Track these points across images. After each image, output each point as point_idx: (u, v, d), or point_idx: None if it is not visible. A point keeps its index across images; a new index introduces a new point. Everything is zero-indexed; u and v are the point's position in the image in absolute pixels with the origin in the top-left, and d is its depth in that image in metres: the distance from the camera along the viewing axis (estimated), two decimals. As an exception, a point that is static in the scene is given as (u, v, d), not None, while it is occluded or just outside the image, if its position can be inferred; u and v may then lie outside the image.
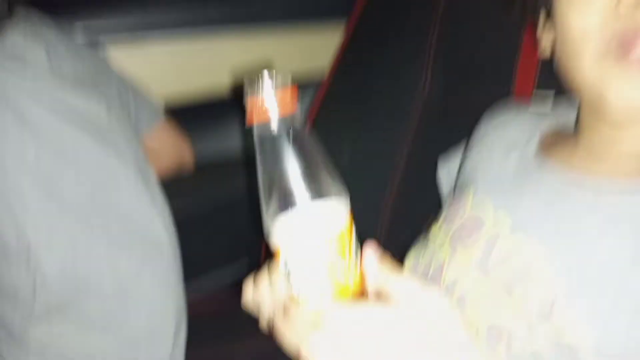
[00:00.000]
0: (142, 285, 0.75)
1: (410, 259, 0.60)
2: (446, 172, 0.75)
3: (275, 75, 0.38)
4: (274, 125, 0.38)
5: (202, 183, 1.09)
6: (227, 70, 1.12)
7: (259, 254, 1.13)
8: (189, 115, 1.03)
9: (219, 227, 1.08)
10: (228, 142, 1.18)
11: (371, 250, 0.40)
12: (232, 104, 1.09)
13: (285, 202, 0.38)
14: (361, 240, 0.41)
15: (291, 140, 0.38)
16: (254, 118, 0.38)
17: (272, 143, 0.38)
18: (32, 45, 0.72)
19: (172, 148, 0.95)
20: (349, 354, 0.35)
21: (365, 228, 0.43)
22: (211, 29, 1.10)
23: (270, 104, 0.38)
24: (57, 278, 0.68)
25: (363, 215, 0.44)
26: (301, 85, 1.25)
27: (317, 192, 0.38)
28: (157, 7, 1.06)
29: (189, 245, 0.85)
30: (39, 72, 0.71)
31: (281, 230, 0.39)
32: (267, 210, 0.39)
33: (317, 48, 1.20)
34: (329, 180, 0.40)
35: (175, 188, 0.89)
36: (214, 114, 1.16)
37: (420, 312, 0.37)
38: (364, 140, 1.01)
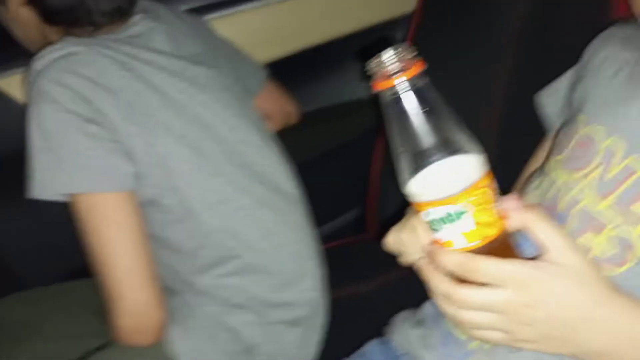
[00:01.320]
0: (284, 233, 0.84)
1: (527, 193, 0.60)
2: (552, 103, 0.72)
3: (393, 40, 0.37)
4: (402, 87, 0.39)
5: (309, 134, 1.14)
6: (317, 24, 1.16)
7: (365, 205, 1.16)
8: (287, 71, 1.05)
9: (328, 177, 1.12)
10: (325, 90, 1.25)
11: (513, 197, 0.42)
12: (323, 52, 1.18)
13: (423, 158, 0.40)
14: None
15: (420, 99, 0.40)
16: (380, 84, 0.40)
17: (401, 104, 0.40)
18: (156, 32, 0.79)
19: (279, 107, 1.02)
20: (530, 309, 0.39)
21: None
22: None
23: (394, 68, 0.39)
24: (215, 233, 0.77)
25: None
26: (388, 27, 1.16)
27: (453, 146, 0.40)
28: None
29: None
30: (166, 56, 0.77)
31: (422, 184, 0.41)
32: (404, 167, 0.42)
33: None
34: (462, 135, 0.41)
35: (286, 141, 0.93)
36: (308, 64, 1.21)
37: (572, 267, 0.40)
38: (457, 79, 0.96)
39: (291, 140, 0.98)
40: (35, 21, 0.74)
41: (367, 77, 0.42)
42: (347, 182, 1.23)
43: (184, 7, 1.02)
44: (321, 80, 1.28)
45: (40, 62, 0.70)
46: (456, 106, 0.42)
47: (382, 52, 0.40)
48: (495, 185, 0.42)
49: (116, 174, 0.70)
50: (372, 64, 0.41)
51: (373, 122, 1.19)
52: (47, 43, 0.77)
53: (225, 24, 1.03)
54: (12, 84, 0.96)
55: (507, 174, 0.66)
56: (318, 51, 1.20)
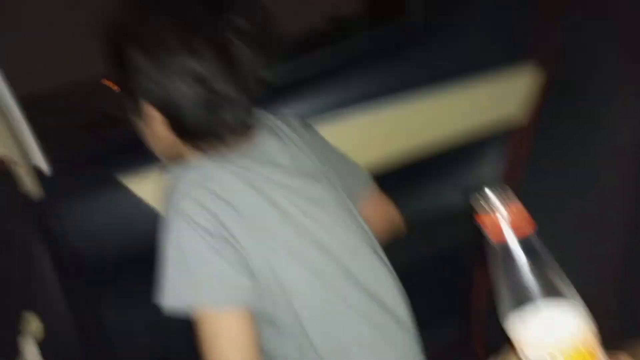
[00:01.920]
0: (383, 349, 0.82)
1: None
2: None
3: (501, 191, 0.42)
4: (512, 242, 0.42)
5: (411, 243, 1.12)
6: (417, 132, 1.18)
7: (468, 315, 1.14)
8: (394, 179, 1.07)
9: (428, 285, 1.09)
10: (431, 200, 1.24)
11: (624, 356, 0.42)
12: (429, 162, 1.18)
13: (526, 300, 0.42)
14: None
15: (527, 249, 0.42)
16: (493, 236, 0.43)
17: (510, 253, 0.42)
18: (276, 146, 0.82)
19: (384, 215, 1.01)
20: None
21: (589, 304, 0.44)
22: (398, 96, 1.16)
23: (506, 224, 0.42)
24: (320, 344, 0.77)
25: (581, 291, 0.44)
26: (489, 137, 1.17)
27: (554, 293, 0.42)
28: (346, 85, 1.16)
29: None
30: (287, 173, 0.81)
31: (521, 324, 0.42)
32: (506, 301, 0.43)
33: (500, 96, 1.19)
34: (563, 283, 0.42)
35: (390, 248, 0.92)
36: (415, 174, 1.21)
37: None
38: (572, 201, 0.92)
39: (392, 246, 0.96)
40: (169, 136, 0.79)
41: (471, 209, 0.44)
42: (446, 291, 1.18)
43: (292, 111, 1.06)
44: (423, 189, 1.27)
45: (175, 177, 0.75)
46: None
47: (493, 198, 0.42)
48: (598, 337, 0.42)
49: (239, 289, 0.71)
50: (482, 204, 0.43)
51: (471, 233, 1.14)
52: (176, 154, 0.82)
53: (333, 128, 1.07)
54: (142, 186, 1.05)
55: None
56: (422, 160, 1.20)
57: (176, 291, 0.71)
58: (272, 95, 0.82)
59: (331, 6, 3.36)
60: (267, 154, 0.81)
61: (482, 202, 0.43)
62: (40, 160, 1.08)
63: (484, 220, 0.43)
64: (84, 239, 1.05)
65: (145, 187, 1.05)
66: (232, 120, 0.76)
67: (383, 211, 1.02)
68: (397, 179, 1.14)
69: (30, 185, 1.02)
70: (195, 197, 0.72)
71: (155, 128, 0.78)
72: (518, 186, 0.94)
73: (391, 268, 0.88)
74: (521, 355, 0.42)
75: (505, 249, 0.42)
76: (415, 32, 1.23)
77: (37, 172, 1.06)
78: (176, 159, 0.85)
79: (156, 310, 1.08)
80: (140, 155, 1.00)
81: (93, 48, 0.80)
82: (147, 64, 0.71)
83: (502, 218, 0.42)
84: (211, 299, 0.70)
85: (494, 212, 0.42)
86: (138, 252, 1.06)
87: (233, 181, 0.75)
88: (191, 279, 0.70)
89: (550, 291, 0.41)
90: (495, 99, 1.21)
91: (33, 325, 0.90)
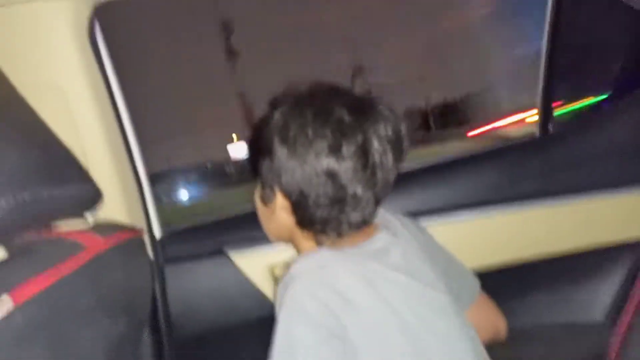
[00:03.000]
0: None
1: None
2: None
3: None
4: None
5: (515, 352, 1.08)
6: (535, 240, 1.16)
7: None
8: (498, 284, 1.03)
9: None
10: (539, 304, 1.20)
11: None
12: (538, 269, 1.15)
13: None
14: None
15: None
16: None
17: None
18: (395, 248, 0.84)
19: (489, 321, 0.98)
20: None
21: None
22: (519, 204, 1.15)
23: None
24: None
25: None
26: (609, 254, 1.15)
27: None
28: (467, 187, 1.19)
29: None
30: (400, 272, 0.81)
31: None
32: None
33: (627, 214, 1.15)
34: None
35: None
36: (521, 279, 1.19)
37: None
38: None
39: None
40: (289, 223, 0.83)
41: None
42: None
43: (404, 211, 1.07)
44: (537, 296, 1.20)
45: (296, 268, 0.77)
46: None
47: None
48: None
49: None
50: None
51: (592, 349, 1.02)
52: (291, 240, 0.87)
53: (443, 230, 1.05)
54: (248, 262, 1.08)
55: None
56: (531, 266, 1.15)
57: None
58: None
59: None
60: (386, 254, 0.82)
61: None
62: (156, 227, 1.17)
63: None
64: (182, 304, 1.08)
65: (251, 264, 1.08)
66: (356, 219, 0.79)
67: (488, 317, 0.97)
68: (505, 282, 1.08)
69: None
70: (318, 296, 0.72)
71: (278, 213, 0.83)
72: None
73: None
74: None
75: None
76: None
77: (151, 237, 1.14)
78: (288, 242, 0.89)
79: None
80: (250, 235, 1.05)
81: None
82: (293, 161, 0.76)
83: None
84: None
85: None
86: (232, 326, 1.06)
87: (358, 283, 0.75)
88: None
89: None
90: (622, 218, 1.14)
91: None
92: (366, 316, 0.73)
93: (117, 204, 1.01)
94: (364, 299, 0.74)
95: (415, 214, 1.03)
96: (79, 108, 0.98)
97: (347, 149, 0.74)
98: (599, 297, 1.16)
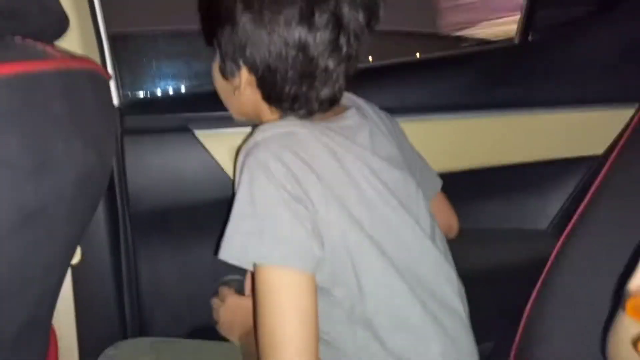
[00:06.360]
0: (435, 334, 0.79)
1: None
2: None
3: None
4: None
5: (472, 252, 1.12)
6: (501, 147, 1.18)
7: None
8: (458, 186, 1.05)
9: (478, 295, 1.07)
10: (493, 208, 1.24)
11: None
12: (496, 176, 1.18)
13: None
14: None
15: None
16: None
17: None
18: (363, 128, 0.82)
19: (443, 219, 1.01)
20: None
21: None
22: (488, 112, 1.16)
23: None
24: (373, 315, 0.75)
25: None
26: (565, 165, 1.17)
27: None
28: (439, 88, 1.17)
29: None
30: (367, 151, 0.80)
31: None
32: None
33: (593, 129, 1.17)
34: None
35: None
36: (479, 184, 1.22)
37: None
38: None
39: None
40: (255, 99, 0.79)
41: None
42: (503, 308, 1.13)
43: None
44: (493, 201, 1.25)
45: (262, 134, 0.74)
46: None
47: None
48: None
49: (308, 254, 0.69)
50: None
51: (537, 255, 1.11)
52: (256, 115, 0.82)
53: (413, 128, 1.04)
54: (214, 143, 1.05)
55: None
56: (494, 171, 1.19)
57: (245, 246, 0.68)
58: (361, 79, 0.81)
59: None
60: (354, 132, 0.81)
61: None
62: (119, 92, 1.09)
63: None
64: (143, 177, 1.05)
65: (216, 144, 1.05)
66: (326, 95, 0.75)
67: (443, 214, 1.02)
68: (463, 185, 1.12)
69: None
70: (284, 159, 0.70)
71: (242, 88, 0.78)
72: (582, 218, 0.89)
73: (454, 265, 0.87)
74: None
75: None
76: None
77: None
78: (254, 119, 0.85)
79: (190, 265, 1.07)
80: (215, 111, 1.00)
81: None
82: (259, 30, 0.70)
83: None
84: (282, 258, 0.68)
85: None
86: (192, 205, 1.06)
87: (323, 153, 0.74)
88: (263, 235, 0.68)
89: None
90: (585, 134, 1.18)
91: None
92: (329, 186, 0.73)
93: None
94: (327, 169, 0.73)
95: (386, 109, 1.01)
96: None
97: (320, 18, 0.69)
98: (548, 206, 1.23)
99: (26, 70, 0.57)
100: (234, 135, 0.97)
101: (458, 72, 1.20)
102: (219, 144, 1.04)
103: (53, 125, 0.61)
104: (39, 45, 0.69)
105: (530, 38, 1.22)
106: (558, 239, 0.85)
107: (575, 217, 1.00)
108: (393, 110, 1.03)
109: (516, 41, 1.24)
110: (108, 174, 0.93)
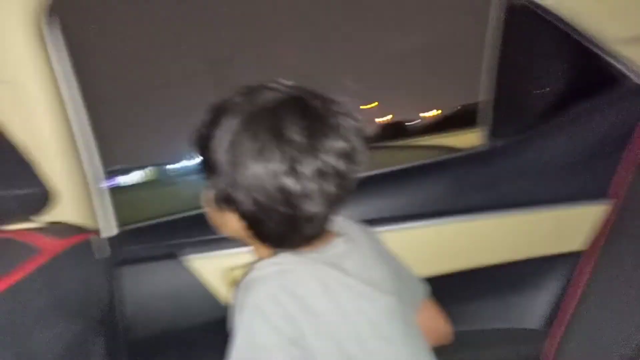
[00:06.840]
0: None
1: None
2: None
3: None
4: None
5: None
6: (478, 250, 1.21)
7: None
8: (444, 290, 1.06)
9: None
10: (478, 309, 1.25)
11: None
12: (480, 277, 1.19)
13: None
14: None
15: None
16: None
17: None
18: (354, 254, 0.85)
19: (435, 325, 1.01)
20: None
21: None
22: (468, 216, 1.20)
23: None
24: None
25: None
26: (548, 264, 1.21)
27: None
28: (415, 196, 1.22)
29: None
30: (362, 283, 0.82)
31: None
32: None
33: (564, 227, 1.22)
34: None
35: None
36: (465, 286, 1.24)
37: None
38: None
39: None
40: (243, 232, 0.82)
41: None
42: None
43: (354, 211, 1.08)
44: (479, 302, 1.26)
45: (256, 272, 0.77)
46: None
47: None
48: None
49: None
50: None
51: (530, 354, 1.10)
52: (246, 240, 0.85)
53: (395, 236, 1.08)
54: (200, 264, 1.09)
55: None
56: (474, 273, 1.20)
57: None
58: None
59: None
60: (344, 260, 0.83)
61: None
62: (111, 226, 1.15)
63: None
64: (137, 306, 1.08)
65: (205, 266, 1.09)
66: (311, 232, 0.79)
67: (433, 321, 1.01)
68: (449, 289, 1.12)
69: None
70: (279, 301, 0.73)
71: (231, 223, 0.81)
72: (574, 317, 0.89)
73: None
74: None
75: None
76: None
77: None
78: (245, 240, 0.87)
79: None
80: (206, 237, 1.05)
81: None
82: (246, 181, 0.73)
83: None
84: None
85: None
86: (186, 329, 1.06)
87: (317, 289, 0.76)
88: None
89: None
90: (562, 231, 1.21)
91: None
92: (323, 323, 0.74)
93: (72, 201, 0.99)
94: (321, 304, 0.75)
95: (363, 221, 1.04)
96: (31, 103, 0.95)
97: (305, 168, 0.72)
98: (536, 305, 1.23)
99: (8, 284, 0.63)
100: (220, 257, 1.01)
101: (435, 180, 1.25)
102: (209, 266, 1.08)
103: (33, 324, 0.67)
104: (25, 237, 0.76)
105: (499, 143, 1.29)
106: (546, 337, 0.85)
107: (563, 314, 1.00)
108: (373, 222, 1.07)
109: (487, 147, 1.32)
110: (98, 329, 0.96)
